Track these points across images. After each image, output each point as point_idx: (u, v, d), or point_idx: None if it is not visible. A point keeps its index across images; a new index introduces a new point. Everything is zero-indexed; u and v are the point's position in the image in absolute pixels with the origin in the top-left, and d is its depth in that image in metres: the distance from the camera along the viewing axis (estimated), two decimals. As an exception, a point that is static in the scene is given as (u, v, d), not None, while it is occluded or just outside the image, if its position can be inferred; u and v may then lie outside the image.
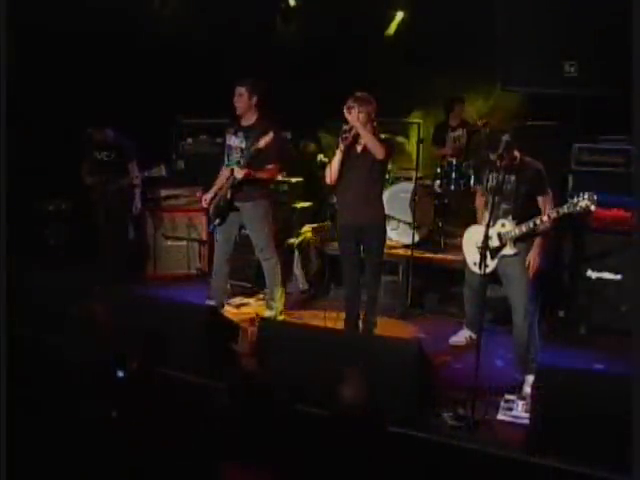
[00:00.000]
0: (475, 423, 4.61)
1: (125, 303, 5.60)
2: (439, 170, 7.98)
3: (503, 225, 5.31)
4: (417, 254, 7.22)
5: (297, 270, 7.62)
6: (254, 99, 6.31)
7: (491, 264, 5.31)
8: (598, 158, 6.54)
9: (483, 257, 4.92)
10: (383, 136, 5.80)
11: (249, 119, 6.37)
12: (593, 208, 4.94)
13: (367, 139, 5.58)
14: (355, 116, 5.55)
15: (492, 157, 5.25)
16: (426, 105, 8.63)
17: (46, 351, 4.51)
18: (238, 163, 6.30)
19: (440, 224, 7.82)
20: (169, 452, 3.52)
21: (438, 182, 7.97)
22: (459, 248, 7.54)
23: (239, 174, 6.21)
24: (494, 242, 5.30)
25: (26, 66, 7.11)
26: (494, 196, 5.14)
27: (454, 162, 7.88)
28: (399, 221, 7.47)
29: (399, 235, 7.48)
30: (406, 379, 4.55)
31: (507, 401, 4.88)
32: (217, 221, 6.51)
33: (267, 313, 6.58)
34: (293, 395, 4.28)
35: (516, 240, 5.28)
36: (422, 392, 4.70)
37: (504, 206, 5.32)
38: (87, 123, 7.23)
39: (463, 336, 6.16)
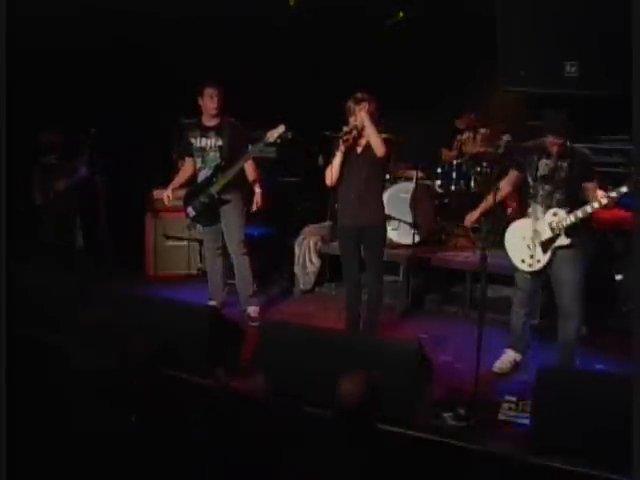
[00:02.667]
0: (475, 423, 4.61)
1: (125, 304, 5.60)
2: (439, 170, 7.99)
3: (555, 214, 5.13)
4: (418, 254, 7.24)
5: (297, 270, 7.63)
6: (222, 99, 6.36)
7: (543, 258, 5.20)
8: (598, 158, 6.54)
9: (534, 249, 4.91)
10: (383, 136, 5.79)
11: (215, 119, 6.42)
12: None
13: (371, 134, 5.59)
14: (359, 116, 5.58)
15: (551, 139, 5.06)
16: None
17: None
18: (218, 164, 6.36)
19: (441, 224, 7.83)
20: (170, 452, 3.52)
21: (438, 182, 7.99)
22: (459, 248, 7.62)
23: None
24: (545, 234, 5.17)
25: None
26: (544, 185, 5.06)
27: (454, 162, 7.89)
28: (399, 221, 7.47)
29: (399, 235, 7.48)
30: (406, 379, 4.55)
31: (508, 401, 4.87)
32: (208, 222, 6.59)
33: (254, 311, 6.61)
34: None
35: (568, 230, 5.09)
36: (422, 392, 4.70)
37: (556, 195, 5.14)
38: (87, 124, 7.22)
39: (507, 360, 5.63)
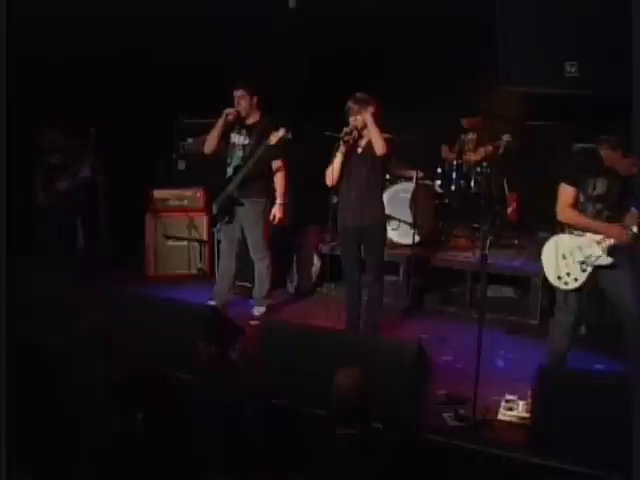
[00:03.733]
0: (476, 423, 4.62)
1: (125, 304, 5.61)
2: (440, 170, 7.99)
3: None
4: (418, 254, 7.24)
5: (298, 270, 7.63)
6: (255, 99, 6.44)
7: (581, 277, 4.95)
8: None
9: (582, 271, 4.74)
10: (384, 136, 5.79)
11: (253, 118, 6.49)
12: None
13: (373, 133, 5.59)
14: (364, 117, 5.58)
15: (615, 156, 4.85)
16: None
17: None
18: (238, 164, 6.39)
19: (441, 224, 7.83)
20: (170, 451, 3.52)
21: (439, 182, 7.98)
22: (459, 248, 7.61)
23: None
24: (590, 251, 4.93)
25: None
26: (596, 203, 4.88)
27: (455, 163, 7.89)
28: (399, 221, 7.46)
29: (399, 235, 7.47)
30: (406, 379, 4.55)
31: (508, 401, 4.88)
32: (226, 219, 6.59)
33: (259, 311, 6.69)
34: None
35: (612, 249, 4.87)
36: (422, 392, 4.70)
37: (605, 213, 4.91)
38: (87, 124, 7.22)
39: None
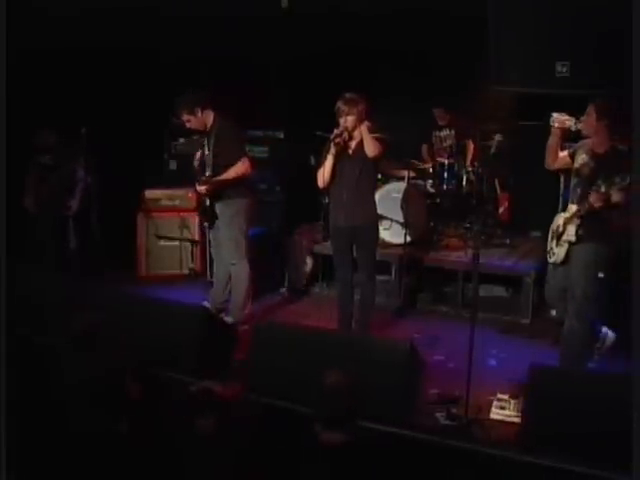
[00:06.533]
0: (468, 422, 4.63)
1: (117, 304, 5.59)
2: (431, 170, 8.01)
3: (569, 209, 5.13)
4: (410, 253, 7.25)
5: (290, 269, 7.64)
6: (200, 112, 6.21)
7: (556, 252, 5.17)
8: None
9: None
10: (374, 135, 5.79)
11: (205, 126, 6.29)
12: None
13: (365, 136, 5.60)
14: (350, 119, 5.58)
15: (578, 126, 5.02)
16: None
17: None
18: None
19: (432, 224, 7.85)
20: (165, 454, 3.52)
21: (430, 182, 8.00)
22: (451, 248, 7.63)
23: (200, 190, 6.25)
24: (560, 227, 5.16)
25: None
26: (574, 178, 5.07)
27: (446, 162, 7.91)
28: (391, 221, 7.47)
29: (391, 235, 7.48)
30: (398, 378, 4.55)
31: (500, 400, 4.89)
32: (206, 224, 6.57)
33: (226, 319, 6.28)
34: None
35: (578, 227, 5.02)
36: (415, 391, 4.70)
37: (578, 191, 5.08)
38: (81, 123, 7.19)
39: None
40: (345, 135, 5.63)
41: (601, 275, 5.00)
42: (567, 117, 5.09)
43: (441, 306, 7.24)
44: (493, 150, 7.73)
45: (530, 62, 7.13)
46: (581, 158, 5.13)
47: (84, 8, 7.50)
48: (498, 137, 7.71)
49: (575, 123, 5.04)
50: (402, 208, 7.46)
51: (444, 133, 8.36)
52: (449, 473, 4.07)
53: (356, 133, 5.69)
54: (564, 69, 6.98)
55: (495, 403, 4.87)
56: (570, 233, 5.06)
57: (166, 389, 4.54)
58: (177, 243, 8.07)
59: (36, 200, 7.34)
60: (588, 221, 4.98)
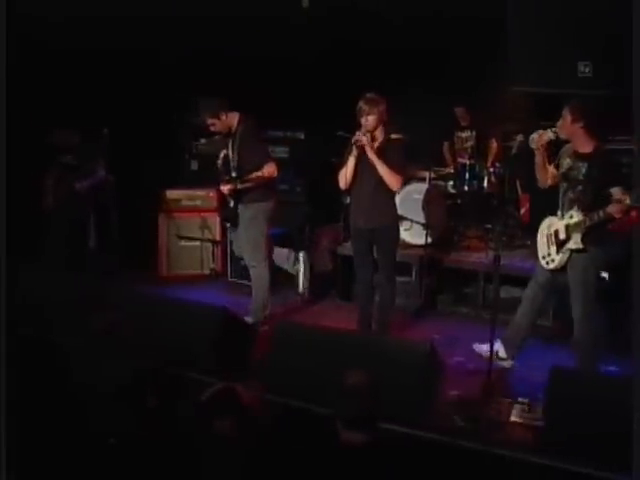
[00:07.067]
0: (487, 425, 4.60)
1: (136, 303, 5.62)
2: (452, 171, 7.98)
3: (571, 216, 5.05)
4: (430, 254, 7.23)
5: (310, 270, 7.64)
6: (225, 116, 6.20)
7: (557, 259, 5.14)
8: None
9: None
10: (394, 136, 5.79)
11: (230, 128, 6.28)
12: None
13: (383, 171, 5.59)
14: (370, 119, 5.56)
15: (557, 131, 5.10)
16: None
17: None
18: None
19: (453, 225, 7.82)
20: (183, 454, 3.52)
21: (451, 183, 7.98)
22: (472, 249, 7.60)
23: (225, 190, 6.27)
24: (561, 235, 5.11)
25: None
26: (563, 183, 5.07)
27: (467, 163, 7.88)
28: (412, 222, 7.45)
29: (412, 236, 7.46)
30: (418, 379, 4.54)
31: (520, 403, 4.85)
32: (228, 225, 6.61)
33: (247, 319, 6.15)
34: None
35: (585, 234, 4.98)
36: (434, 393, 4.69)
37: (569, 195, 5.09)
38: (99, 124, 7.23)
39: (487, 350, 5.07)
40: (366, 138, 5.59)
41: (604, 275, 5.00)
42: (542, 131, 5.16)
43: (461, 307, 7.21)
44: (514, 151, 7.62)
45: (552, 62, 7.10)
46: (566, 163, 5.16)
47: (108, 8, 7.55)
48: (520, 137, 7.62)
49: (553, 132, 5.09)
50: (423, 209, 7.43)
51: (465, 134, 8.31)
52: (467, 476, 4.05)
53: (377, 133, 5.68)
54: (587, 69, 6.95)
55: (515, 406, 4.83)
56: (576, 241, 5.01)
57: (185, 389, 4.55)
58: (198, 243, 8.10)
59: (57, 199, 7.38)
60: (596, 228, 4.95)
